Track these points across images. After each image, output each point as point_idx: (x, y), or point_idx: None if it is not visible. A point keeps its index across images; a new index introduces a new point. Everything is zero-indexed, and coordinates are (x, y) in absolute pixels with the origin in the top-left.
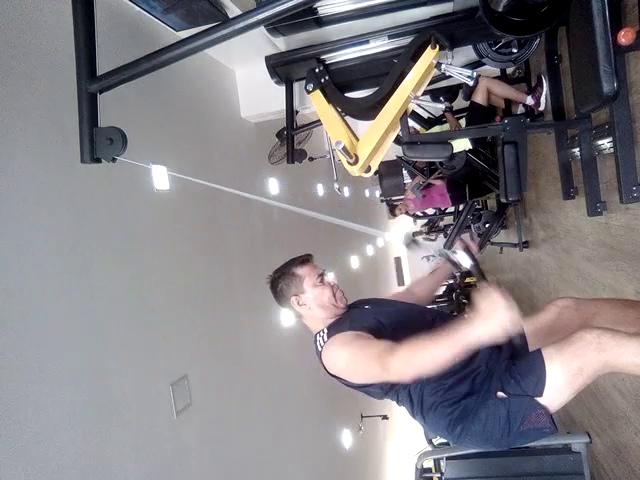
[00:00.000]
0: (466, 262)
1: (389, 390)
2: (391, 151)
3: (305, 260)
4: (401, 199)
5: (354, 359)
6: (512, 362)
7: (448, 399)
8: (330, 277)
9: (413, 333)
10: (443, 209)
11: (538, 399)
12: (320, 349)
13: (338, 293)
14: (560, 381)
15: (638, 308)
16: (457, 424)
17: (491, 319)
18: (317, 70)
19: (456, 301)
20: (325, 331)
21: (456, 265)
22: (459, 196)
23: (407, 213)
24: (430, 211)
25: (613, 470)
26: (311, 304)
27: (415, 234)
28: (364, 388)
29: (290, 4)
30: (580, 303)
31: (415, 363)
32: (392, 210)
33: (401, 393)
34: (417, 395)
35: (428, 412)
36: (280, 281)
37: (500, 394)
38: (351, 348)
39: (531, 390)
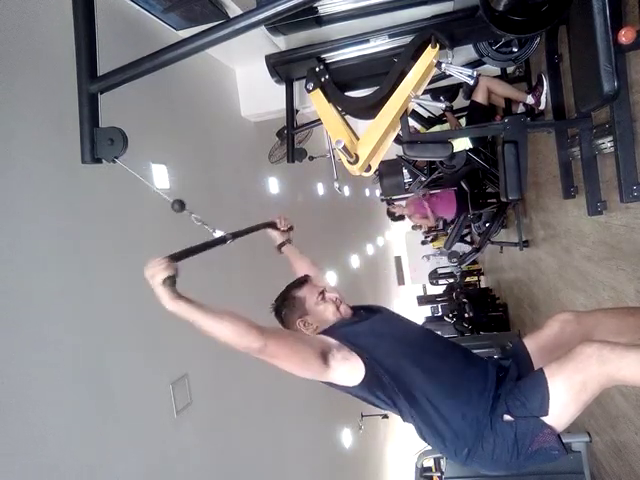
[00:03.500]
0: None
1: (392, 406)
2: (391, 150)
3: (303, 282)
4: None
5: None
6: (516, 384)
7: None
8: (331, 293)
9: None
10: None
11: (544, 419)
12: None
13: (342, 306)
14: (564, 398)
15: (638, 315)
16: (464, 447)
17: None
18: (317, 69)
19: (456, 301)
20: None
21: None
22: (464, 207)
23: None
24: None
25: (613, 469)
26: (317, 323)
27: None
28: (363, 396)
29: (290, 4)
30: (580, 316)
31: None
32: (392, 214)
33: (405, 414)
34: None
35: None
36: (283, 307)
37: (507, 417)
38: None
39: (537, 410)
